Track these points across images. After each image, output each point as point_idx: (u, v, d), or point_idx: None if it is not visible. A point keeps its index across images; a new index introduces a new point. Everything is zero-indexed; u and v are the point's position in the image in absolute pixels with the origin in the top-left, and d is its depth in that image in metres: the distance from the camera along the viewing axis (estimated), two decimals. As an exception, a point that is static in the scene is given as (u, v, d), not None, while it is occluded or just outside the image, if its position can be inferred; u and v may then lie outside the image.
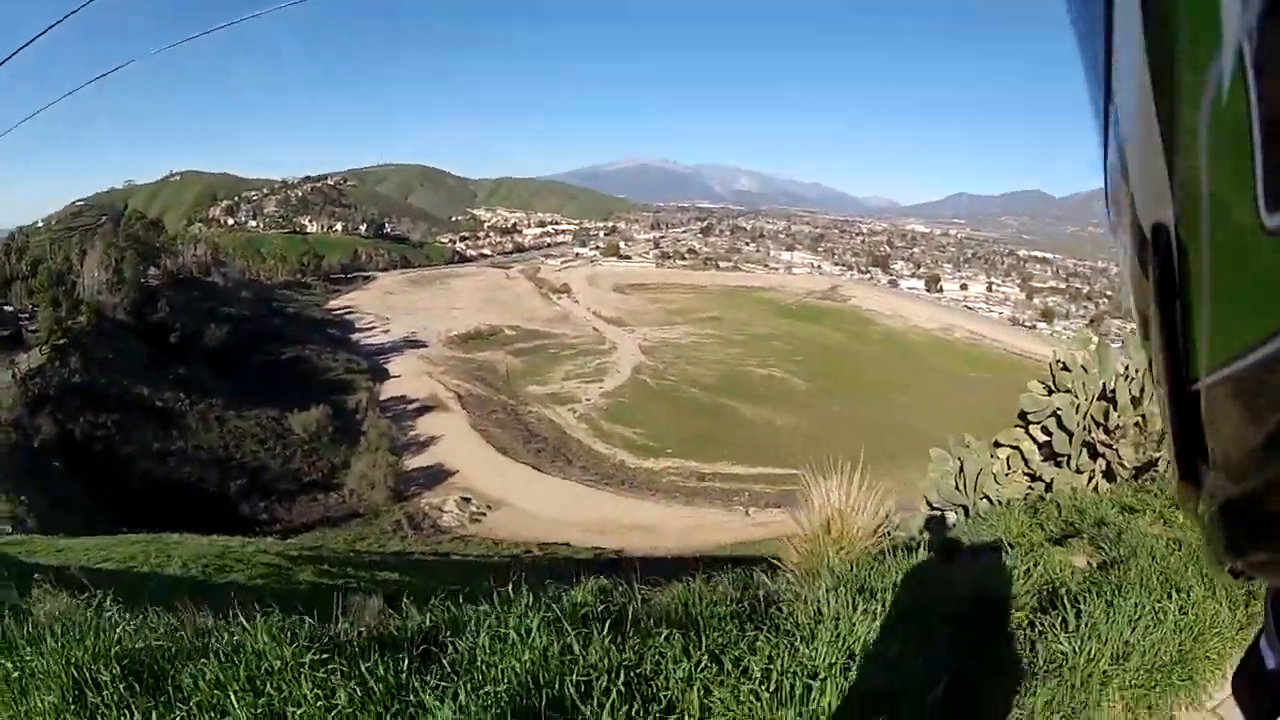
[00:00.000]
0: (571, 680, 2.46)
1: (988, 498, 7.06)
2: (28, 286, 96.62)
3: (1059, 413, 6.40)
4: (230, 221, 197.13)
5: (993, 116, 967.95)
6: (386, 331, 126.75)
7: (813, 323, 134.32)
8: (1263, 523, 0.37)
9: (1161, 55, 0.35)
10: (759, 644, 2.76)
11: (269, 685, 2.47)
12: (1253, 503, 0.36)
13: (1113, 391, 6.18)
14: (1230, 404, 0.35)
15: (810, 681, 2.68)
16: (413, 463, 78.17)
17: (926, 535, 5.59)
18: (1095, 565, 4.30)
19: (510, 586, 3.23)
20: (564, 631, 2.63)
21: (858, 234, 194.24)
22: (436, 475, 75.91)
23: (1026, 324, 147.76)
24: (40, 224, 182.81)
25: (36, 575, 6.24)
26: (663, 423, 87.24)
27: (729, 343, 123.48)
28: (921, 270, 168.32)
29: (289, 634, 2.71)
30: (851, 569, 3.82)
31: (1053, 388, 6.64)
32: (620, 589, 3.60)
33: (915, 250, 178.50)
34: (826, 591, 3.30)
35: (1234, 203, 0.31)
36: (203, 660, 2.58)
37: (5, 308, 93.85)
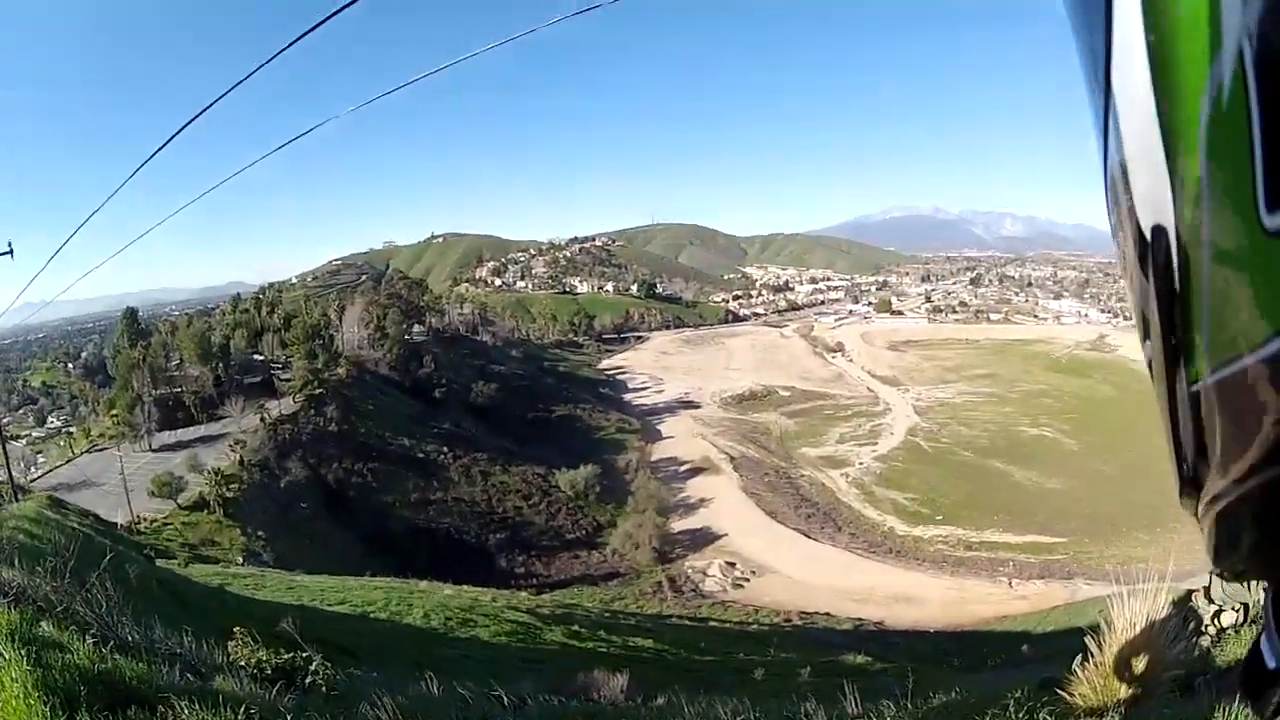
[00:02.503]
0: None
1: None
2: (280, 339, 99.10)
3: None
4: (497, 282, 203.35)
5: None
6: (660, 392, 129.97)
7: (1082, 377, 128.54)
8: (1263, 523, 0.39)
9: (1162, 55, 0.36)
10: None
11: None
12: (1253, 503, 0.38)
13: None
14: (1230, 405, 0.37)
15: None
16: (680, 524, 78.77)
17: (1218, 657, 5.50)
18: None
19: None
20: None
21: (1121, 277, 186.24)
22: (703, 538, 75.68)
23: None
24: (294, 280, 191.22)
25: (238, 629, 6.34)
26: (934, 487, 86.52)
27: (1002, 400, 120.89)
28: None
29: None
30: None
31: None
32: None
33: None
34: None
35: (1234, 203, 0.33)
36: None
37: (255, 357, 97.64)
